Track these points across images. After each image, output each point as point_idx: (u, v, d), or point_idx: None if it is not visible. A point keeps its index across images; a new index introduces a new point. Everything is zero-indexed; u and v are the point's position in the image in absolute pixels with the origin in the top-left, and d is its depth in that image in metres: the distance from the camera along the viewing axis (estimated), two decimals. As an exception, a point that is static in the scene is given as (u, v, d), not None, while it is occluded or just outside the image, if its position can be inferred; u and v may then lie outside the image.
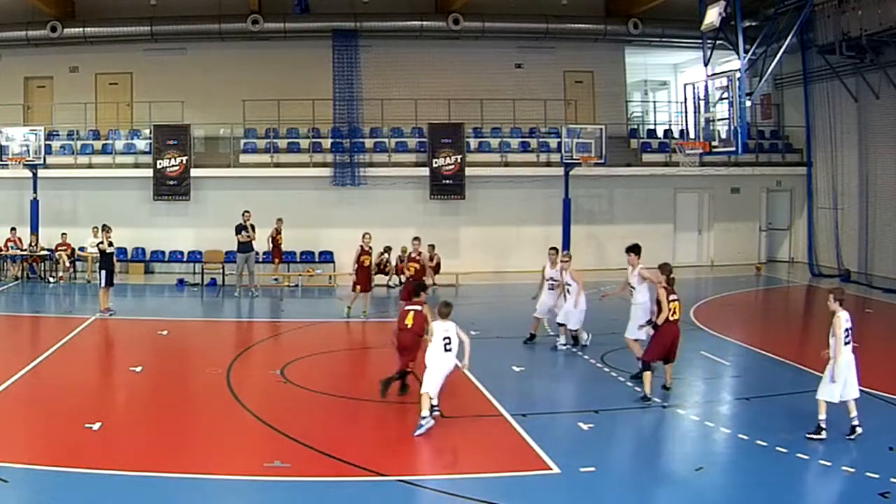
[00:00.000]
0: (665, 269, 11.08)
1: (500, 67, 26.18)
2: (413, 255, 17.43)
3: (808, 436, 9.15)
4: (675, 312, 10.77)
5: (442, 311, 9.82)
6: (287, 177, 23.85)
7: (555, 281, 14.06)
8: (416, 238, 17.76)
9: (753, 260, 25.99)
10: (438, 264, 22.28)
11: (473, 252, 24.16)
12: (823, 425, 9.12)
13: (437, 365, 9.59)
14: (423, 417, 9.38)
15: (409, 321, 10.58)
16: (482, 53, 26.20)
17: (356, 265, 17.03)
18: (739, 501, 7.91)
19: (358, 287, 16.92)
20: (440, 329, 9.73)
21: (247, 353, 13.97)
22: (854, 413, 9.19)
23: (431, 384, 9.51)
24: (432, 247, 22.50)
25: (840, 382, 9.12)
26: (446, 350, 9.64)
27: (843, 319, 9.23)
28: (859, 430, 9.16)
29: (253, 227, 20.29)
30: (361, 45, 25.09)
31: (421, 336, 10.48)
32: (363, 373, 13.42)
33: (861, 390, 11.15)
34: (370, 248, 17.36)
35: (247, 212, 20.34)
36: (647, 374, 10.76)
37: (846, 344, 9.18)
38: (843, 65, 22.60)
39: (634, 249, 12.31)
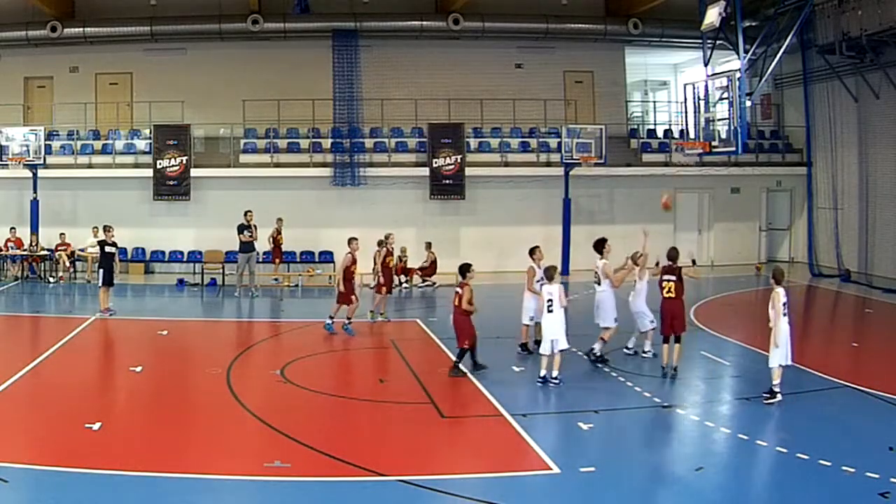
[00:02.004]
0: (669, 254, 12.27)
1: (500, 67, 26.18)
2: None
3: (764, 401, 10.50)
4: (669, 290, 11.96)
5: (549, 275, 11.57)
6: (287, 177, 23.85)
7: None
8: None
9: (753, 260, 25.98)
10: (434, 263, 22.32)
11: (473, 252, 23.98)
12: (777, 389, 10.49)
13: (544, 324, 11.43)
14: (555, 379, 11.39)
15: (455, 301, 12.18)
16: (482, 53, 26.20)
17: (380, 267, 16.37)
18: (739, 501, 7.91)
19: (383, 289, 16.38)
20: (545, 292, 11.44)
21: (247, 353, 13.96)
22: (777, 381, 10.52)
23: (543, 346, 11.45)
24: (429, 244, 22.56)
25: (783, 347, 10.52)
26: (549, 311, 11.32)
27: (780, 295, 10.57)
28: (779, 396, 10.48)
29: (255, 227, 20.30)
30: (361, 45, 25.08)
31: (467, 314, 12.04)
32: (363, 373, 13.41)
33: (861, 390, 11.25)
34: (393, 249, 17.46)
35: (249, 211, 20.34)
36: (664, 346, 11.99)
37: (784, 315, 10.54)
38: (843, 65, 22.59)
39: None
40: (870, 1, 20.51)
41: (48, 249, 22.41)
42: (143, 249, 23.84)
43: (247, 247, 20.23)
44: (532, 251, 13.34)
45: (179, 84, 24.53)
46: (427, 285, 22.10)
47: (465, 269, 12.32)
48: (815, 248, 24.71)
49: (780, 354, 10.51)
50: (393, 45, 25.61)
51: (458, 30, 25.16)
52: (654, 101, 31.57)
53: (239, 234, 20.21)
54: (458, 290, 12.20)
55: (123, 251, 22.92)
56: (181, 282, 22.11)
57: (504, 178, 24.59)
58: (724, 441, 9.43)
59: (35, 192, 22.52)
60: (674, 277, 11.96)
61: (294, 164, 24.20)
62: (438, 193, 24.28)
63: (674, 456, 9.23)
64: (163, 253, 23.94)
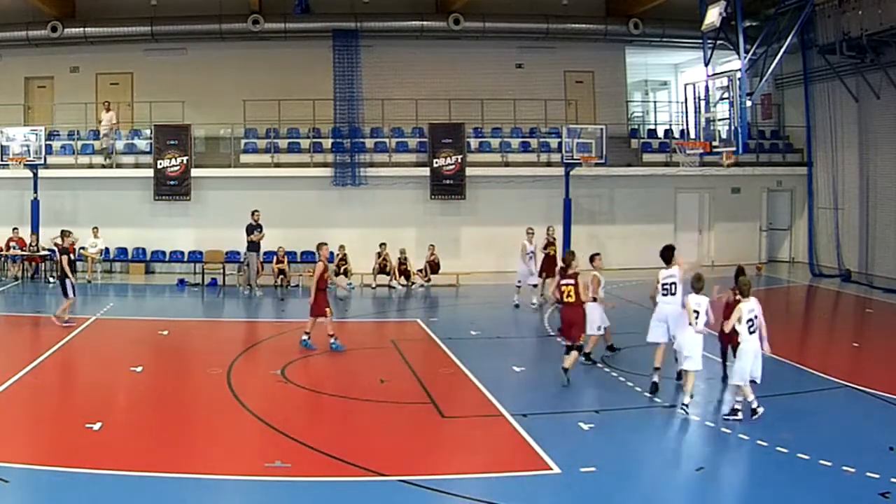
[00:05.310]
0: (564, 258, 12.21)
1: (500, 67, 26.18)
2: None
3: (724, 417, 9.95)
4: (568, 295, 11.66)
5: (695, 286, 10.35)
6: (288, 177, 23.85)
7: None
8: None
9: (754, 260, 25.94)
10: (434, 264, 22.31)
11: (474, 252, 24.16)
12: (739, 406, 9.86)
13: (692, 342, 10.28)
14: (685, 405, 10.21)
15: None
16: (482, 53, 26.20)
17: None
18: (739, 501, 7.91)
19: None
20: (693, 303, 10.31)
21: (247, 353, 13.97)
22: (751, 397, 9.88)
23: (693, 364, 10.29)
24: (432, 247, 22.53)
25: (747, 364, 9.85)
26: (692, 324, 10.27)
27: (745, 310, 9.88)
28: (760, 409, 9.81)
29: (261, 227, 20.59)
30: (362, 45, 25.08)
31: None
32: (364, 373, 13.39)
33: (861, 390, 11.26)
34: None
35: (256, 211, 20.70)
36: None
37: (751, 333, 9.87)
38: (843, 65, 22.59)
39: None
40: (870, 1, 20.52)
41: (49, 249, 22.36)
42: (143, 249, 23.84)
43: (255, 245, 20.52)
44: (592, 258, 13.19)
45: (180, 84, 24.52)
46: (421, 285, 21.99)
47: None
48: (815, 248, 24.72)
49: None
50: (393, 45, 25.62)
51: (459, 30, 25.15)
52: (655, 101, 31.58)
53: (249, 234, 20.40)
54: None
55: (123, 251, 23.33)
56: (182, 282, 22.12)
57: (505, 178, 24.58)
58: (725, 441, 9.43)
59: (35, 192, 22.50)
60: (571, 282, 11.68)
61: (295, 164, 24.20)
62: (439, 193, 24.27)
63: (674, 456, 9.24)
64: (163, 253, 23.92)
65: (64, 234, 16.64)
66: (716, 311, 10.91)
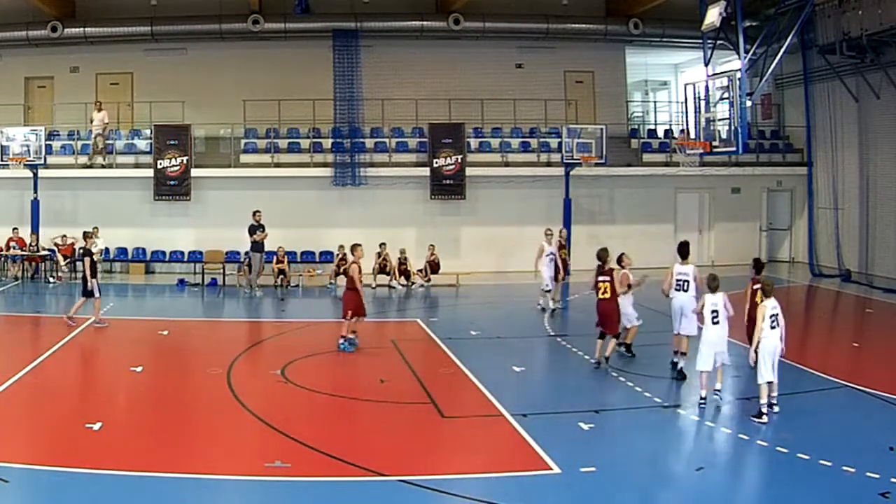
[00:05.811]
0: (598, 255, 12.72)
1: (500, 67, 26.18)
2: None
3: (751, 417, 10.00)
4: (604, 291, 12.34)
5: (711, 285, 10.76)
6: (288, 177, 23.84)
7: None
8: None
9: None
10: (435, 264, 22.30)
11: (474, 252, 24.15)
12: (765, 409, 9.93)
13: (707, 339, 10.53)
14: (702, 398, 10.48)
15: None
16: (482, 53, 26.20)
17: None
18: (739, 501, 7.91)
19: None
20: (710, 302, 10.61)
21: (247, 353, 13.97)
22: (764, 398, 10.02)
23: (704, 361, 10.51)
24: (432, 246, 22.53)
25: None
26: (714, 322, 10.52)
27: (769, 307, 10.11)
28: (765, 418, 9.88)
29: (263, 227, 20.55)
30: (362, 45, 25.08)
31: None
32: (364, 373, 13.40)
33: (861, 390, 11.25)
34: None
35: (257, 211, 20.63)
36: (599, 342, 12.50)
37: (772, 329, 10.08)
38: (843, 65, 22.59)
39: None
40: (870, 1, 20.51)
41: (50, 249, 22.36)
42: (143, 249, 23.83)
43: (259, 246, 20.49)
44: (620, 258, 13.42)
45: (180, 84, 24.53)
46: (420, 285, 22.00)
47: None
48: (815, 247, 24.71)
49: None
50: (393, 45, 25.62)
51: (459, 30, 25.15)
52: (655, 101, 31.58)
53: (251, 234, 20.38)
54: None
55: (123, 251, 23.36)
56: (182, 282, 22.12)
57: (505, 178, 24.57)
58: (725, 441, 9.44)
59: (35, 192, 22.52)
60: (607, 278, 12.36)
61: (295, 164, 24.19)
62: (439, 193, 24.27)
63: (674, 456, 9.24)
64: (163, 253, 23.91)
65: (86, 235, 16.73)
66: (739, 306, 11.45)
